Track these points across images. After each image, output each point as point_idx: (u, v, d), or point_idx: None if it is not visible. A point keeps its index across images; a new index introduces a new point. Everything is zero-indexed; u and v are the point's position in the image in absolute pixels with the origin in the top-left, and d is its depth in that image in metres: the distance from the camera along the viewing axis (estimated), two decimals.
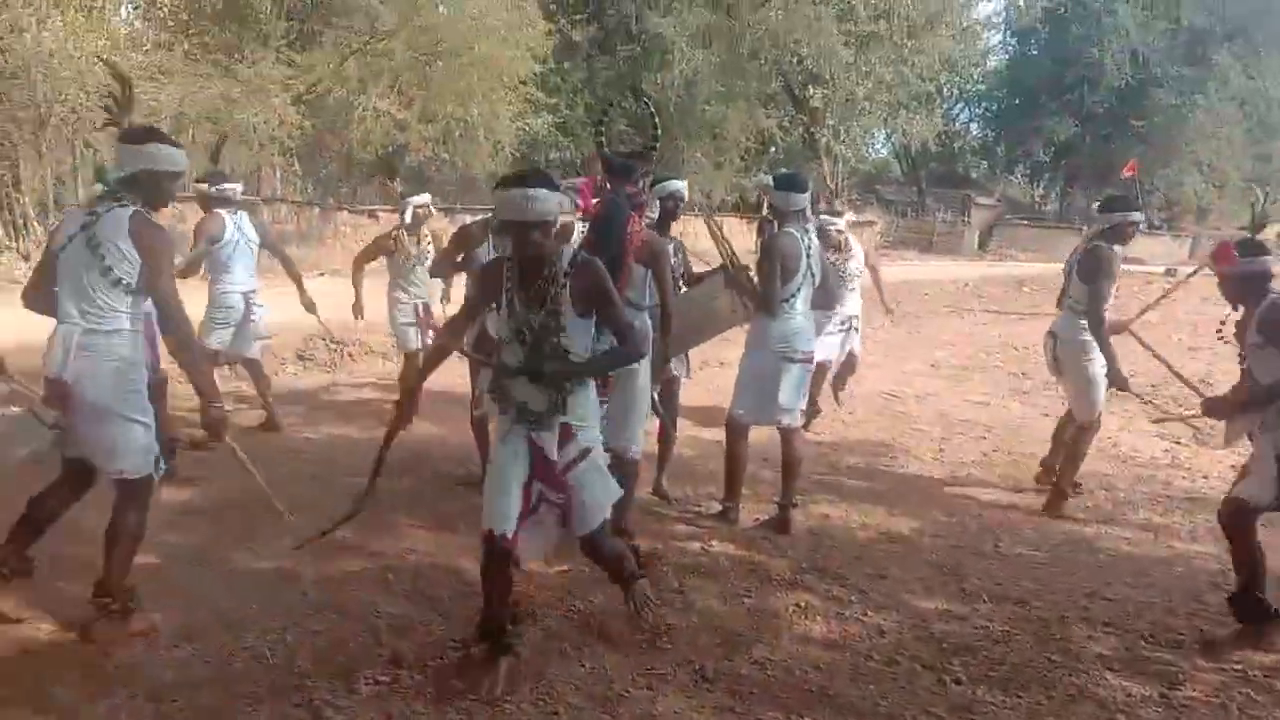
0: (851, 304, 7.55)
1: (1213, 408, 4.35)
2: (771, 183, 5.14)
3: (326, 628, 3.75)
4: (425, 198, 7.37)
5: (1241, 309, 4.20)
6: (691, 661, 3.64)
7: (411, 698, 3.28)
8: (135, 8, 16.94)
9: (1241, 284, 4.12)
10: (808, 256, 5.01)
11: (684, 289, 5.43)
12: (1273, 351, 4.01)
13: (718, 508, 5.36)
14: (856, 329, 7.68)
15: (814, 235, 5.15)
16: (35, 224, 14.22)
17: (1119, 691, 3.60)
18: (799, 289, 5.01)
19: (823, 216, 7.55)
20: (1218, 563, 4.90)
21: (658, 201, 5.43)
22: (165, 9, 16.36)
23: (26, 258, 13.74)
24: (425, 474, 5.81)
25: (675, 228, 5.64)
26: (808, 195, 5.18)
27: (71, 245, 3.47)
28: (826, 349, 7.35)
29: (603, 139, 5.02)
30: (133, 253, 3.43)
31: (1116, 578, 4.81)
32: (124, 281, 3.45)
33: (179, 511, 4.94)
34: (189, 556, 4.41)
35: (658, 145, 4.91)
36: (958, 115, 38.84)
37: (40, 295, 3.65)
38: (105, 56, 12.45)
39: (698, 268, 5.66)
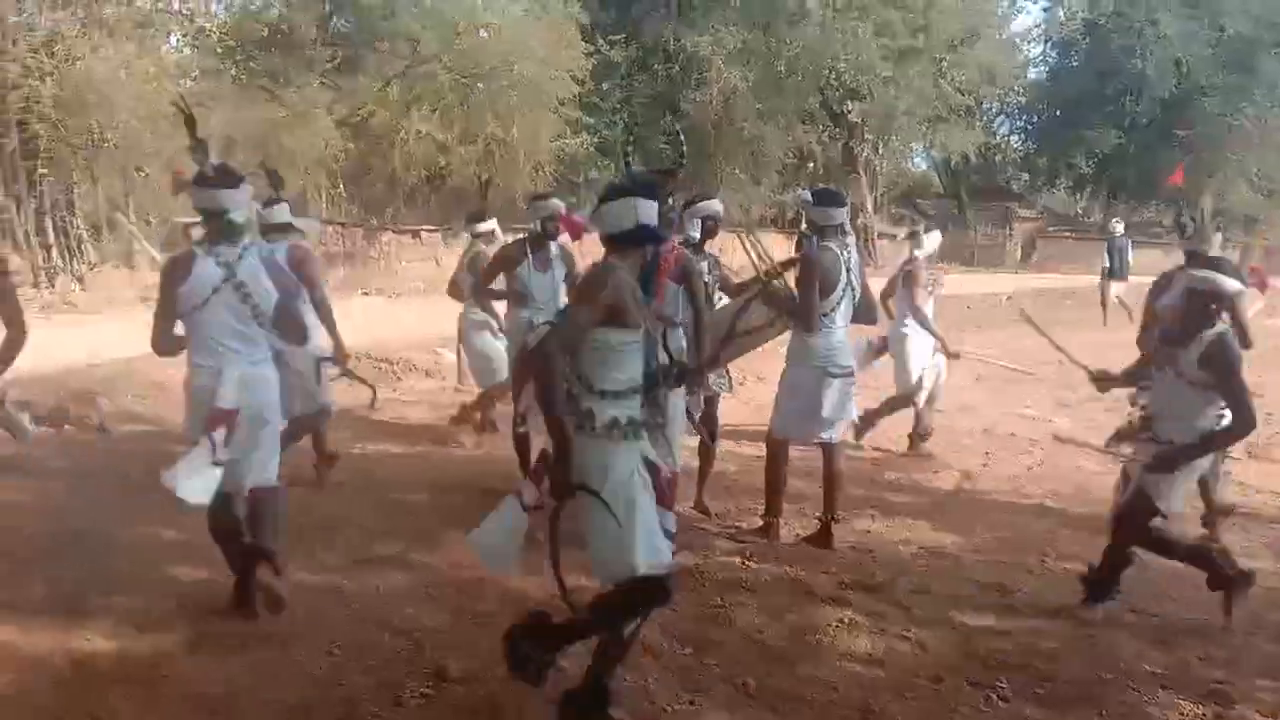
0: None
1: (1102, 380, 4.65)
2: (809, 198, 5.15)
3: (372, 641, 3.79)
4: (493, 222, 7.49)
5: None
6: (734, 677, 3.64)
7: (456, 710, 3.31)
8: (184, 35, 17.32)
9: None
10: (847, 271, 5.00)
11: (722, 301, 5.45)
12: (1199, 379, 4.04)
13: (759, 523, 5.35)
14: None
15: (853, 249, 5.14)
16: (89, 247, 14.57)
17: (1172, 710, 3.54)
18: (839, 304, 5.00)
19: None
20: (1277, 579, 4.80)
21: (698, 221, 5.49)
22: (213, 36, 16.71)
23: (80, 280, 14.08)
24: (471, 489, 5.86)
25: (711, 244, 5.69)
26: (845, 210, 5.18)
27: (217, 297, 3.75)
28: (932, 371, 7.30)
29: (629, 158, 5.09)
30: (273, 290, 3.84)
31: (1168, 594, 4.72)
32: (266, 318, 3.85)
33: None
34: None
35: (684, 163, 4.98)
36: (998, 128, 38.44)
37: (170, 342, 3.93)
38: (177, 103, 12.80)
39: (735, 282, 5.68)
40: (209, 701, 3.31)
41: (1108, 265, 15.38)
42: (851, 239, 5.24)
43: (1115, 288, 15.47)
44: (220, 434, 3.70)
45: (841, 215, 5.08)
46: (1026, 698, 3.58)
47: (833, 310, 4.99)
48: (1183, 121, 32.48)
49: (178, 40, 17.39)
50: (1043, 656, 3.94)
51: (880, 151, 28.91)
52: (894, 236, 27.56)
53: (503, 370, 6.80)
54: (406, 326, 8.66)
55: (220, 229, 3.77)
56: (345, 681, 3.47)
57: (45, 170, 13.72)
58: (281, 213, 5.54)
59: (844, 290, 4.99)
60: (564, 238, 6.36)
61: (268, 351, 3.96)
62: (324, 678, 3.51)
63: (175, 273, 3.79)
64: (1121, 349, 6.14)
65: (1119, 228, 15.97)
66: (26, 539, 4.68)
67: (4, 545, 4.57)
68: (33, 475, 5.45)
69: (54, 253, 14.22)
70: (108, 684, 3.38)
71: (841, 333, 5.09)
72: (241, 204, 3.81)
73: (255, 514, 3.98)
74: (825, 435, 5.16)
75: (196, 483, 3.69)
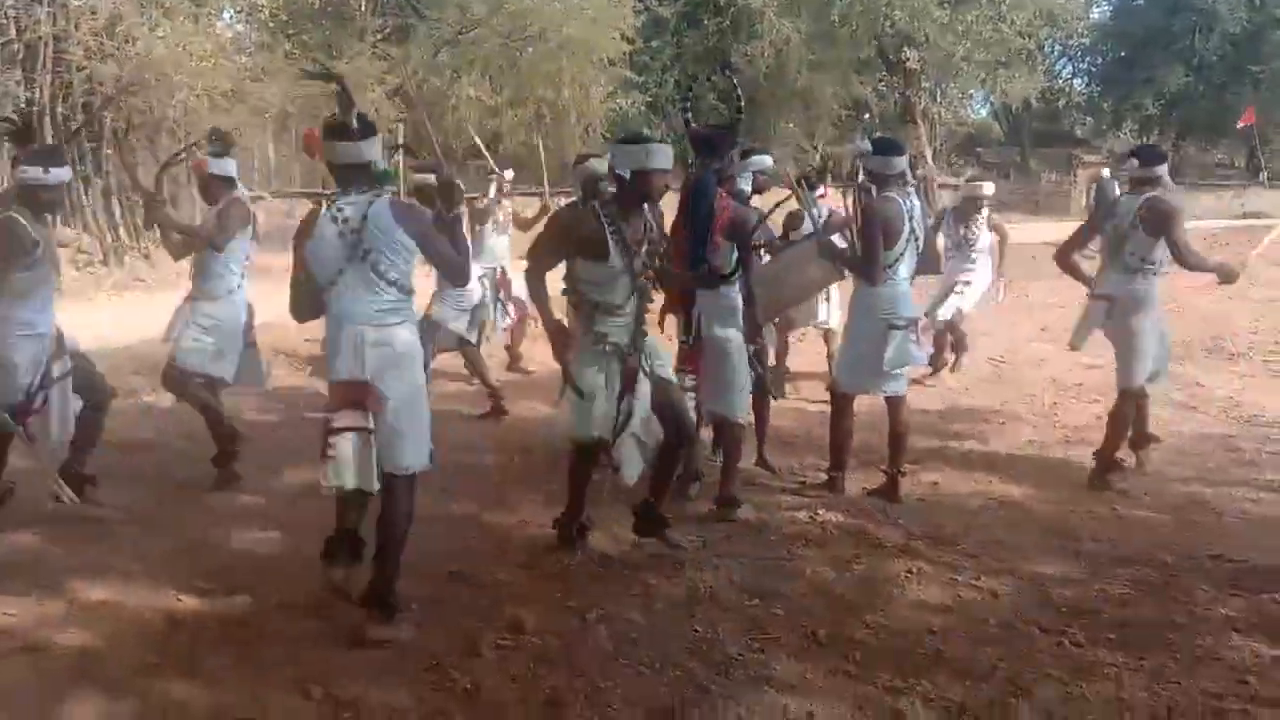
0: None
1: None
2: (869, 148, 5.08)
3: (449, 596, 3.89)
4: (509, 174, 8.16)
5: None
6: (803, 626, 3.67)
7: (532, 660, 3.41)
8: (238, 11, 17.53)
9: None
10: (910, 220, 4.94)
11: (766, 258, 5.40)
12: None
13: (824, 477, 5.35)
14: None
15: (915, 198, 5.08)
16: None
17: (1248, 654, 3.49)
18: (902, 254, 4.93)
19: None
20: None
21: (750, 175, 5.46)
22: (266, 11, 16.87)
23: (147, 256, 14.43)
24: (535, 450, 5.95)
25: (757, 199, 5.67)
26: (905, 158, 5.11)
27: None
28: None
29: (689, 114, 5.05)
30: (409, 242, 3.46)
31: (1242, 539, 4.65)
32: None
33: (307, 490, 5.15)
34: (317, 531, 4.60)
35: (742, 117, 4.93)
36: (1060, 71, 37.41)
37: None
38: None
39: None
40: (295, 656, 3.42)
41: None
42: (912, 188, 5.18)
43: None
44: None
45: (902, 164, 5.01)
46: (1100, 643, 3.56)
47: (896, 261, 4.93)
48: (1255, 58, 31.23)
49: (231, 17, 17.61)
50: (1115, 602, 3.92)
51: (939, 100, 28.28)
52: (955, 187, 27.04)
53: None
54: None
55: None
56: (425, 635, 3.57)
57: (110, 151, 14.04)
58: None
59: (907, 241, 4.93)
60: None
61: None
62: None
63: None
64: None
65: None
66: (117, 505, 4.86)
67: (98, 512, 4.76)
68: (117, 446, 5.64)
69: (121, 231, 14.58)
70: (198, 640, 3.53)
71: (905, 284, 5.04)
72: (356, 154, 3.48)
73: (394, 503, 3.60)
74: (890, 388, 5.13)
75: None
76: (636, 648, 3.49)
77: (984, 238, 7.88)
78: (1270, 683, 3.28)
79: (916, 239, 4.99)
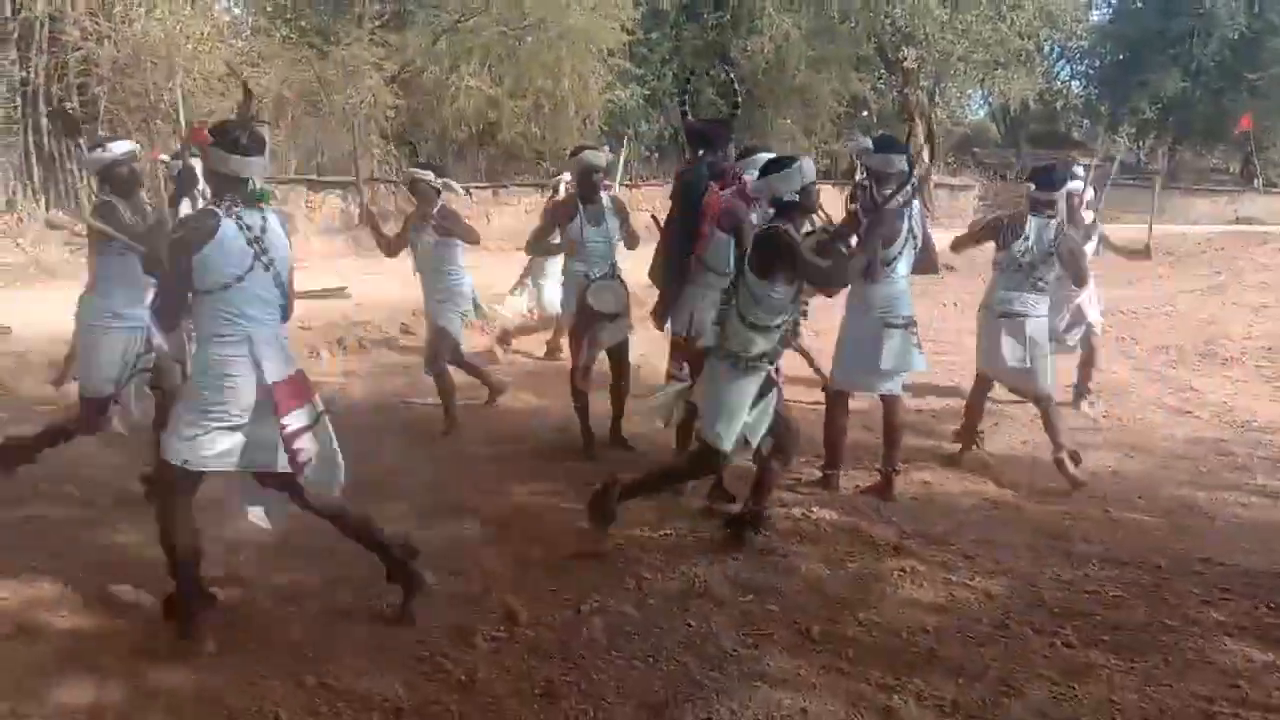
0: None
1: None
2: (870, 145, 5.07)
3: (444, 587, 3.87)
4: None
5: None
6: (797, 623, 3.68)
7: (526, 651, 3.41)
8: None
9: None
10: (908, 219, 4.94)
11: None
12: None
13: (818, 475, 5.34)
14: None
15: (914, 198, 5.07)
16: (147, 208, 14.84)
17: (1239, 658, 3.51)
18: (900, 252, 4.94)
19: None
20: None
21: (754, 172, 5.45)
22: None
23: None
24: (525, 440, 5.94)
25: None
26: (906, 157, 5.10)
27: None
28: None
29: (686, 108, 5.05)
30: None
31: (1234, 544, 4.67)
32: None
33: None
34: (314, 522, 4.59)
35: (738, 113, 4.94)
36: (1058, 73, 37.39)
37: None
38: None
39: None
40: (288, 644, 3.42)
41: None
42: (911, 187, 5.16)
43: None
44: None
45: (903, 162, 5.00)
46: (1092, 644, 3.57)
47: (894, 259, 4.93)
48: (1253, 64, 31.29)
49: (228, 0, 17.54)
50: (1108, 604, 3.93)
51: (936, 99, 28.26)
52: (951, 187, 27.10)
53: None
54: None
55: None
56: (419, 625, 3.56)
57: (105, 133, 13.96)
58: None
59: (906, 239, 4.93)
60: (615, 190, 6.42)
61: None
62: (398, 622, 3.60)
63: None
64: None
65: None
66: (110, 492, 4.85)
67: (88, 496, 4.78)
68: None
69: None
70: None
71: (903, 282, 5.04)
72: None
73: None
74: (885, 387, 5.13)
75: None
76: (630, 641, 3.50)
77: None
78: (1260, 687, 3.29)
79: (915, 238, 4.99)
